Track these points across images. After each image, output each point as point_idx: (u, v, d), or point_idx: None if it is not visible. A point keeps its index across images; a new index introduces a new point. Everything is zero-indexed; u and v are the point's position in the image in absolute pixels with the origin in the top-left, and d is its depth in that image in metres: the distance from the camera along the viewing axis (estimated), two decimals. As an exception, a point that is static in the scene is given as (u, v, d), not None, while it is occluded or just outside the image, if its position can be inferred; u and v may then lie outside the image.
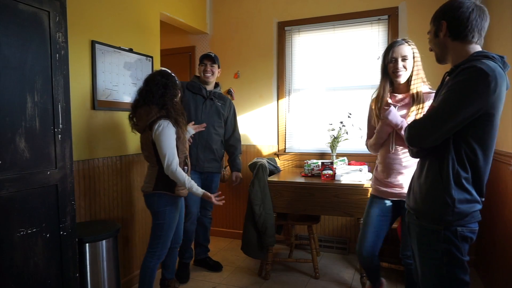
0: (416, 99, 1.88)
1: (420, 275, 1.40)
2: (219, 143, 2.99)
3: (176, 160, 2.09)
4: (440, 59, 1.45)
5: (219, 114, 2.96)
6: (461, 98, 1.22)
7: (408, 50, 1.90)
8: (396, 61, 1.89)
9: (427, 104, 1.86)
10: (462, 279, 1.30)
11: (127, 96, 2.72)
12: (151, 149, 2.15)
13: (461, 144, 1.27)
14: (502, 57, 1.29)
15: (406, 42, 1.92)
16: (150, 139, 2.13)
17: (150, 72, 2.93)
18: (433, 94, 1.69)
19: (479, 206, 1.31)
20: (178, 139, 2.16)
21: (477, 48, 1.34)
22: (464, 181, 1.28)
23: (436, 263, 1.32)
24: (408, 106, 1.92)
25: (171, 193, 2.20)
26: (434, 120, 1.28)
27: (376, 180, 2.07)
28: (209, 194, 2.17)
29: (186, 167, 2.26)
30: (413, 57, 1.90)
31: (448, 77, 1.39)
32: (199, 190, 2.15)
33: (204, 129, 2.72)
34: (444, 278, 1.31)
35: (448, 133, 1.27)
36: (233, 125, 3.11)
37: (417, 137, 1.34)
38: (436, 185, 1.31)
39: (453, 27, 1.34)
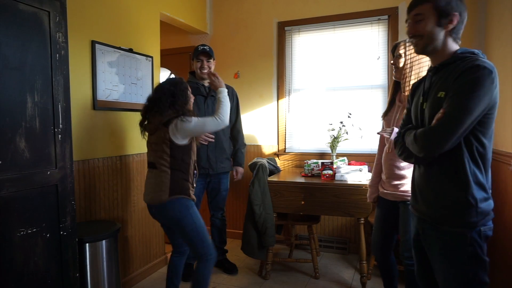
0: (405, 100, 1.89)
1: (442, 281, 1.35)
2: (227, 140, 2.98)
3: (225, 117, 2.17)
4: (428, 50, 1.37)
5: None
6: (472, 98, 1.20)
7: (402, 48, 1.92)
8: (393, 55, 1.97)
9: None
10: (484, 280, 1.28)
11: (127, 96, 2.72)
12: (166, 148, 2.05)
13: (471, 141, 1.26)
14: (479, 51, 1.31)
15: (405, 42, 1.94)
16: (166, 136, 2.04)
17: (150, 72, 2.94)
18: None
19: (492, 203, 1.30)
20: (191, 142, 2.12)
21: (457, 45, 1.36)
22: (481, 179, 1.27)
23: (462, 268, 1.28)
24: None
25: (187, 197, 2.11)
26: (450, 125, 1.22)
27: (381, 181, 2.10)
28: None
29: (195, 171, 2.21)
30: (405, 56, 1.91)
31: (434, 76, 1.37)
32: (224, 88, 2.28)
33: (213, 140, 2.68)
34: (470, 281, 1.28)
35: (463, 134, 1.24)
36: (234, 115, 3.03)
37: (434, 144, 1.26)
38: (456, 188, 1.28)
39: (459, 24, 1.32)
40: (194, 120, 2.07)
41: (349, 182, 2.68)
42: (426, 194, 1.39)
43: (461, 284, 1.29)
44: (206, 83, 2.90)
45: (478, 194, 1.26)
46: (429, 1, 1.31)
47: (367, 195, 2.21)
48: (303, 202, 2.75)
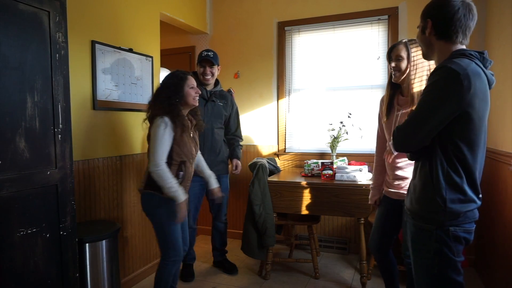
0: (412, 101, 1.85)
1: (414, 274, 1.42)
2: (222, 145, 2.96)
3: (159, 160, 1.98)
4: (426, 56, 1.47)
5: (221, 115, 2.91)
6: (435, 100, 1.23)
7: (404, 50, 1.87)
8: (390, 58, 1.91)
9: None
10: (454, 279, 1.30)
11: (127, 96, 2.72)
12: (149, 143, 2.09)
13: (446, 144, 1.28)
14: (481, 53, 1.29)
15: (405, 42, 1.89)
16: (149, 132, 2.09)
17: (150, 72, 2.93)
18: None
19: (474, 205, 1.30)
20: (174, 140, 2.06)
21: (460, 47, 1.34)
22: (457, 181, 1.27)
23: (428, 262, 1.33)
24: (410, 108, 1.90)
25: (160, 194, 2.05)
26: (412, 124, 1.30)
27: (385, 180, 2.10)
28: (183, 209, 2.03)
29: (181, 172, 2.11)
30: (408, 58, 1.86)
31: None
32: (180, 197, 2.00)
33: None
34: (436, 277, 1.32)
35: (430, 134, 1.28)
36: (235, 124, 3.06)
37: (401, 142, 1.37)
38: (427, 186, 1.32)
39: (438, 26, 1.33)
40: (160, 134, 1.98)
41: (349, 182, 2.68)
42: (410, 189, 1.46)
43: (428, 279, 1.35)
44: (208, 87, 2.89)
45: (450, 195, 1.27)
46: (421, 14, 1.43)
47: (369, 196, 2.19)
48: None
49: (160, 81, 2.22)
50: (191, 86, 2.14)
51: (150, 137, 2.05)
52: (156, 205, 2.08)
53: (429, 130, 1.26)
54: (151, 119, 2.09)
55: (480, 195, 1.32)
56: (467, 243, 1.32)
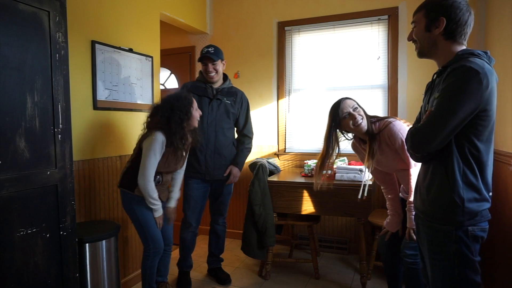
0: (373, 139, 1.94)
1: (431, 277, 1.38)
2: (229, 147, 2.76)
3: (148, 175, 2.13)
4: (425, 54, 1.43)
5: (228, 114, 2.71)
6: (457, 99, 1.22)
7: (353, 101, 1.94)
8: (350, 114, 1.89)
9: (387, 140, 1.90)
10: (473, 279, 1.29)
11: (127, 96, 2.72)
12: (138, 147, 2.23)
13: (463, 143, 1.27)
14: (486, 52, 1.31)
15: (346, 98, 1.96)
16: (141, 139, 2.23)
17: (150, 72, 2.93)
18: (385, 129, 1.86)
19: (488, 205, 1.30)
20: (162, 157, 2.18)
21: (463, 47, 1.36)
22: (473, 180, 1.27)
23: (447, 264, 1.31)
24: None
25: (131, 192, 2.20)
26: (434, 125, 1.26)
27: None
28: (160, 220, 2.28)
29: (158, 176, 2.25)
30: (359, 105, 1.95)
31: (437, 78, 1.39)
32: (156, 213, 2.24)
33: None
34: (456, 279, 1.30)
35: (450, 135, 1.26)
36: (243, 120, 2.83)
37: (421, 144, 1.32)
38: (444, 187, 1.30)
39: (451, 28, 1.33)
40: (153, 148, 2.11)
41: (349, 182, 2.68)
42: (421, 191, 1.43)
43: (447, 281, 1.32)
44: (215, 85, 2.72)
45: (467, 194, 1.27)
46: (422, 9, 1.39)
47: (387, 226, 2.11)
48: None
49: (162, 85, 2.31)
50: (196, 108, 2.28)
51: (143, 148, 2.16)
52: (131, 202, 2.23)
53: (451, 130, 1.24)
54: (150, 127, 2.20)
55: (491, 193, 1.31)
56: (482, 241, 1.32)
